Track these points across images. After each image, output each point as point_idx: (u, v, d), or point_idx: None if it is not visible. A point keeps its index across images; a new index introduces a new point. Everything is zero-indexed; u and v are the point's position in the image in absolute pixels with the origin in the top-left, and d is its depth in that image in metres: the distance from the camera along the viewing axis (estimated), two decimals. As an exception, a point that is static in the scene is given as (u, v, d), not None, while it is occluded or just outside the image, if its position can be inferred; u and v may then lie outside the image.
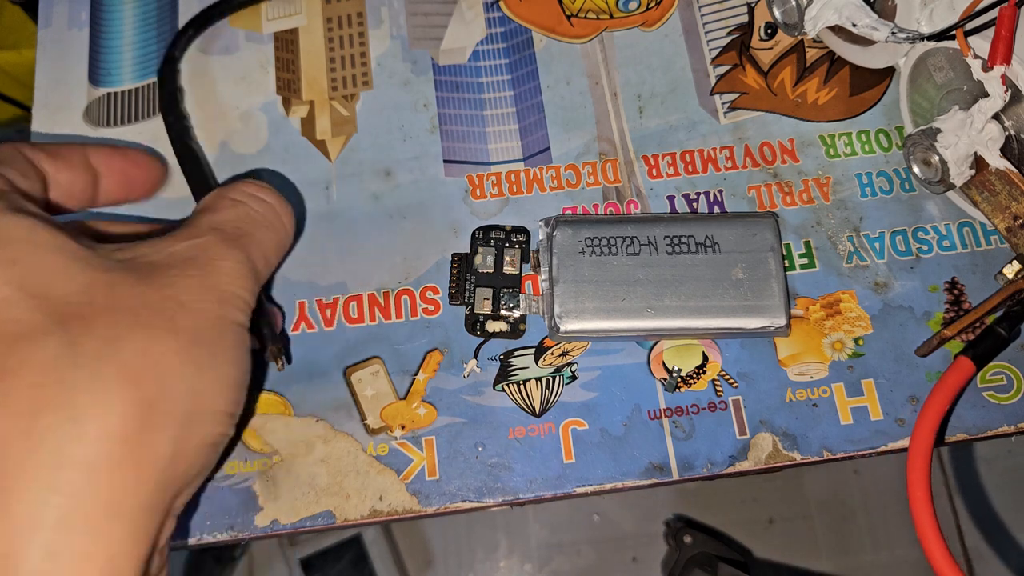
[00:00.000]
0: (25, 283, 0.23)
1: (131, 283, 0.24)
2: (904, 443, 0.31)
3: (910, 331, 0.32)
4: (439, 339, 0.32)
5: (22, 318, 0.22)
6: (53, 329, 0.22)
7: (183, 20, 0.37)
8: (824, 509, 0.93)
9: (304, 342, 0.32)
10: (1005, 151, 0.30)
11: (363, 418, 0.31)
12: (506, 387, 0.32)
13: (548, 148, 0.35)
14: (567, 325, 0.31)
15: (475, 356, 0.32)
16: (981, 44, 0.29)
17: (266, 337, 0.30)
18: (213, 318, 0.25)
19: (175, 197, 0.34)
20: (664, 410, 0.31)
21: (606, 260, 0.32)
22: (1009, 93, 0.29)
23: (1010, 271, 0.30)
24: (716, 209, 0.34)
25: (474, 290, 0.32)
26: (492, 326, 0.32)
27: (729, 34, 0.37)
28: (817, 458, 0.31)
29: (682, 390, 0.32)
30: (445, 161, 0.35)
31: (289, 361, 0.32)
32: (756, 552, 0.92)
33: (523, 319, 0.32)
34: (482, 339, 0.32)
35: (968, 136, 0.30)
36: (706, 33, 0.37)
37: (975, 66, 0.29)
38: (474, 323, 0.32)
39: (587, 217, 0.33)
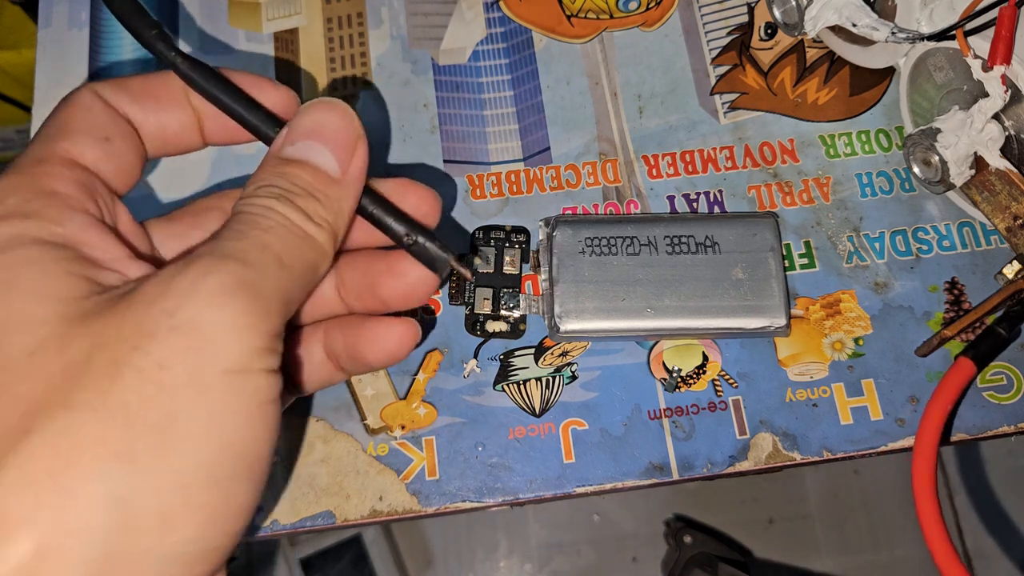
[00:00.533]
0: None
1: (84, 341, 0.19)
2: (904, 443, 0.31)
3: (910, 331, 0.32)
4: (439, 339, 0.32)
5: None
6: None
7: (183, 20, 0.37)
8: (824, 509, 0.93)
9: (304, 342, 0.32)
10: (1005, 151, 0.30)
11: (363, 418, 0.31)
12: (506, 387, 0.32)
13: (548, 148, 0.35)
14: (567, 325, 0.31)
15: (475, 356, 0.32)
16: (981, 44, 0.29)
17: (436, 258, 0.25)
18: (172, 381, 0.18)
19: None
20: (664, 410, 0.31)
21: (606, 260, 0.32)
22: (1009, 93, 0.29)
23: (1010, 271, 0.30)
24: (716, 209, 0.34)
25: (474, 290, 0.32)
26: (492, 326, 0.32)
27: (729, 34, 0.37)
28: (817, 458, 0.31)
29: (682, 390, 0.32)
30: (445, 161, 0.35)
31: (461, 257, 0.26)
32: (756, 552, 0.92)
33: (523, 319, 0.32)
34: (482, 339, 0.32)
35: (968, 136, 0.30)
36: (706, 33, 0.37)
37: (975, 66, 0.29)
38: (474, 323, 0.32)
39: (587, 217, 0.33)
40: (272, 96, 0.25)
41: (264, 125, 0.24)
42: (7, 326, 0.19)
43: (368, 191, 0.25)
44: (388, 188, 0.26)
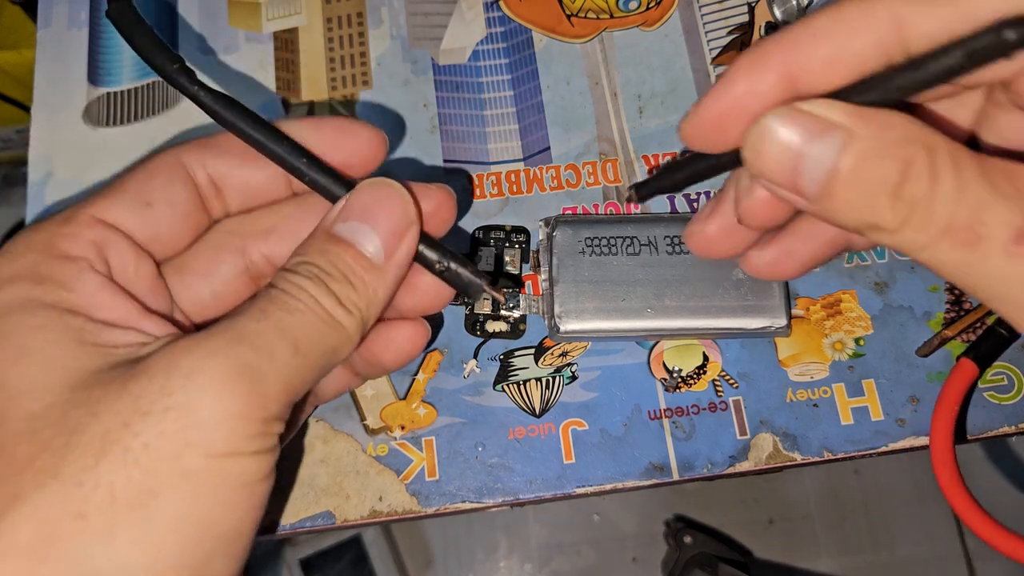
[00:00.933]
0: None
1: (82, 410, 0.19)
2: (905, 443, 0.31)
3: (911, 331, 0.32)
4: (439, 339, 0.32)
5: None
6: None
7: (182, 20, 0.37)
8: (824, 509, 0.93)
9: (304, 342, 0.32)
10: None
11: (363, 418, 0.31)
12: (506, 387, 0.32)
13: (548, 148, 0.35)
14: (567, 325, 0.31)
15: (475, 356, 0.32)
16: None
17: (468, 284, 0.25)
18: (156, 464, 0.19)
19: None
20: (664, 410, 0.31)
21: (606, 260, 0.32)
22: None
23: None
24: (716, 209, 0.34)
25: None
26: (492, 326, 0.32)
27: (729, 34, 0.37)
28: (817, 458, 0.31)
29: (682, 390, 0.32)
30: (445, 161, 0.35)
31: (493, 283, 0.27)
32: (756, 552, 0.92)
33: (523, 319, 0.32)
34: (482, 339, 0.32)
35: None
36: (706, 33, 0.37)
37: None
38: (474, 323, 0.32)
39: (587, 217, 0.33)
40: (329, 130, 0.25)
41: (287, 153, 0.24)
42: (15, 391, 0.20)
43: None
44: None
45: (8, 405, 0.20)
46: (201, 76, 0.24)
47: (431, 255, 0.25)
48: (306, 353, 0.22)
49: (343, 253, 0.23)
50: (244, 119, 0.24)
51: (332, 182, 0.24)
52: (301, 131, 0.25)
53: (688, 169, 0.23)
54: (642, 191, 0.25)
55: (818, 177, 0.18)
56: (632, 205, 0.29)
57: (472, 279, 0.26)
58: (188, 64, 0.24)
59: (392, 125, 0.35)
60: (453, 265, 0.25)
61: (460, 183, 0.34)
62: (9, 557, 0.18)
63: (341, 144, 0.25)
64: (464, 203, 0.34)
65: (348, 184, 0.24)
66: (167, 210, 0.24)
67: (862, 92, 0.18)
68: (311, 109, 0.36)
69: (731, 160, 0.21)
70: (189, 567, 0.20)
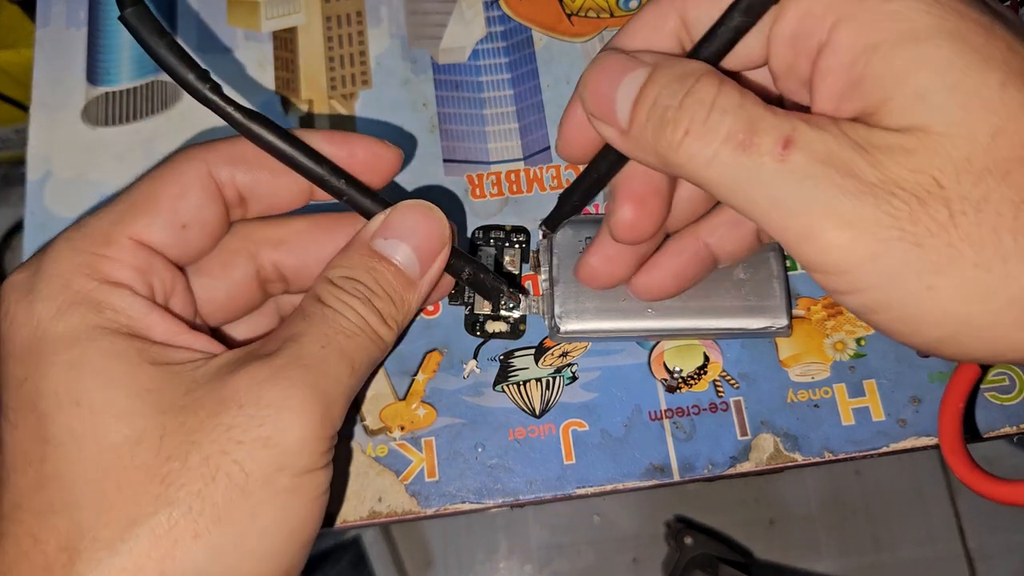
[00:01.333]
0: (69, 434, 0.21)
1: (178, 437, 0.21)
2: (906, 444, 0.31)
3: (912, 331, 0.32)
4: (438, 339, 0.32)
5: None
6: (77, 505, 0.21)
7: (182, 20, 0.37)
8: (825, 510, 0.93)
9: (303, 342, 0.32)
10: None
11: (362, 419, 0.31)
12: (506, 388, 0.32)
13: (548, 147, 0.35)
14: (567, 325, 0.31)
15: (475, 357, 0.32)
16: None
17: (491, 289, 0.28)
18: (242, 477, 0.21)
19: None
20: (665, 411, 0.31)
21: (606, 260, 0.31)
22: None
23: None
24: (717, 209, 0.34)
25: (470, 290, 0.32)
26: (492, 327, 0.32)
27: (730, 33, 0.36)
28: (818, 459, 0.31)
29: (683, 391, 0.31)
30: (445, 161, 0.35)
31: (524, 292, 0.31)
32: (757, 553, 0.91)
33: (523, 319, 0.32)
34: (482, 340, 0.32)
35: None
36: (707, 32, 0.36)
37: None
38: (474, 323, 0.32)
39: (587, 217, 0.33)
40: (362, 149, 0.26)
41: (327, 174, 0.25)
42: (108, 417, 0.21)
43: None
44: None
45: (104, 432, 0.21)
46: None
47: (459, 266, 0.28)
48: (360, 372, 0.24)
49: (385, 271, 0.25)
50: (281, 138, 0.24)
51: (368, 200, 0.26)
52: (327, 146, 0.26)
53: (577, 190, 0.27)
54: (551, 224, 0.29)
55: (626, 106, 0.22)
56: (553, 236, 0.31)
57: (494, 284, 0.29)
58: (219, 83, 0.24)
59: (392, 127, 0.35)
60: (481, 275, 0.28)
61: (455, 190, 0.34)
62: (138, 574, 0.21)
63: (368, 163, 0.26)
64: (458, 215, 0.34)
65: (383, 203, 0.26)
66: (200, 231, 0.25)
67: None
68: (310, 108, 0.36)
69: (604, 166, 0.25)
70: (283, 571, 0.23)
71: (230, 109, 0.24)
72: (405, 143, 0.35)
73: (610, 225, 0.25)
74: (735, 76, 0.23)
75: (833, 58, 0.20)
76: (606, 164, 0.25)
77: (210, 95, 0.23)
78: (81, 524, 0.21)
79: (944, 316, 0.18)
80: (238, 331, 0.29)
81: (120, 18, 0.23)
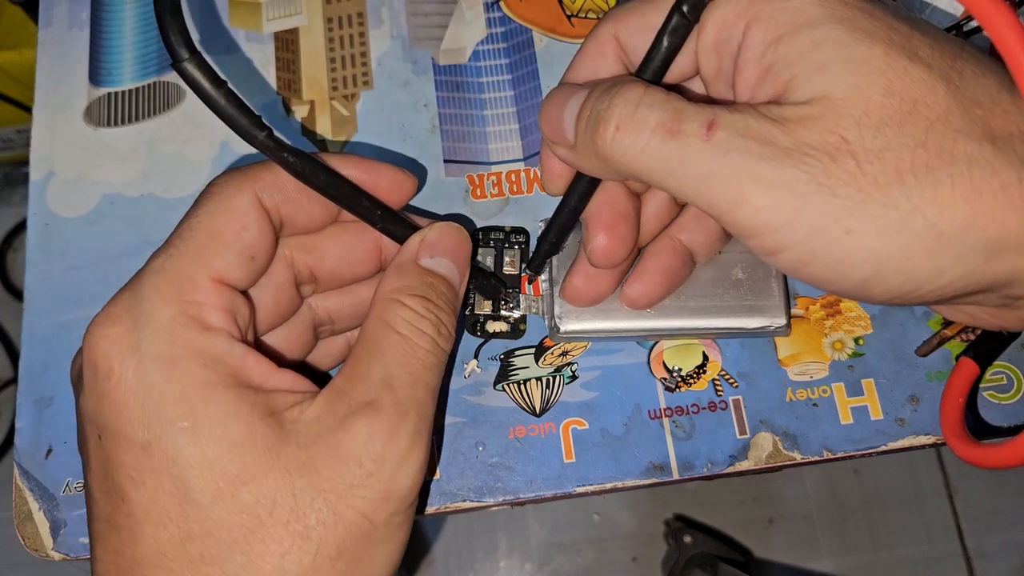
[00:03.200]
0: (186, 466, 0.23)
1: (309, 495, 0.23)
2: (905, 443, 0.31)
3: (910, 331, 0.32)
4: (439, 339, 0.32)
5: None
6: (229, 559, 0.23)
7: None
8: (824, 509, 0.93)
9: (304, 342, 0.32)
10: None
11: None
12: (506, 387, 0.32)
13: (548, 148, 0.35)
14: (567, 325, 0.31)
15: (475, 356, 0.32)
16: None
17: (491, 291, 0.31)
18: (368, 526, 0.24)
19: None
20: (664, 410, 0.31)
21: (606, 260, 0.32)
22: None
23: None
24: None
25: (472, 292, 0.32)
26: (492, 326, 0.32)
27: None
28: (817, 458, 0.31)
29: (682, 390, 0.32)
30: (445, 161, 0.35)
31: (506, 286, 0.32)
32: (756, 552, 0.92)
33: (523, 319, 0.32)
34: (483, 339, 0.32)
35: None
36: (706, 33, 0.37)
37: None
38: (474, 323, 0.32)
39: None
40: (386, 178, 0.28)
41: (368, 209, 0.27)
42: (243, 481, 0.23)
43: None
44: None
45: (241, 494, 0.23)
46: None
47: (472, 273, 0.30)
48: (437, 393, 0.27)
49: (441, 286, 0.27)
50: (330, 177, 0.26)
51: (399, 227, 0.28)
52: (358, 173, 0.27)
53: (552, 229, 0.29)
54: (534, 267, 0.31)
55: (571, 124, 0.25)
56: (537, 280, 0.32)
57: (493, 286, 0.31)
58: (273, 130, 0.24)
59: (392, 126, 0.35)
60: (482, 281, 0.31)
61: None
62: None
63: (390, 190, 0.28)
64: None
65: (411, 227, 0.28)
66: (264, 259, 0.26)
67: None
68: (312, 109, 0.36)
69: (573, 200, 0.28)
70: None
71: (285, 154, 0.24)
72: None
73: (587, 253, 0.28)
74: (676, 88, 0.25)
75: (748, 53, 0.23)
76: (574, 198, 0.28)
77: (267, 141, 0.24)
78: (237, 574, 0.23)
79: (865, 255, 0.20)
80: (275, 340, 0.29)
81: (174, 67, 0.23)
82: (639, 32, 0.25)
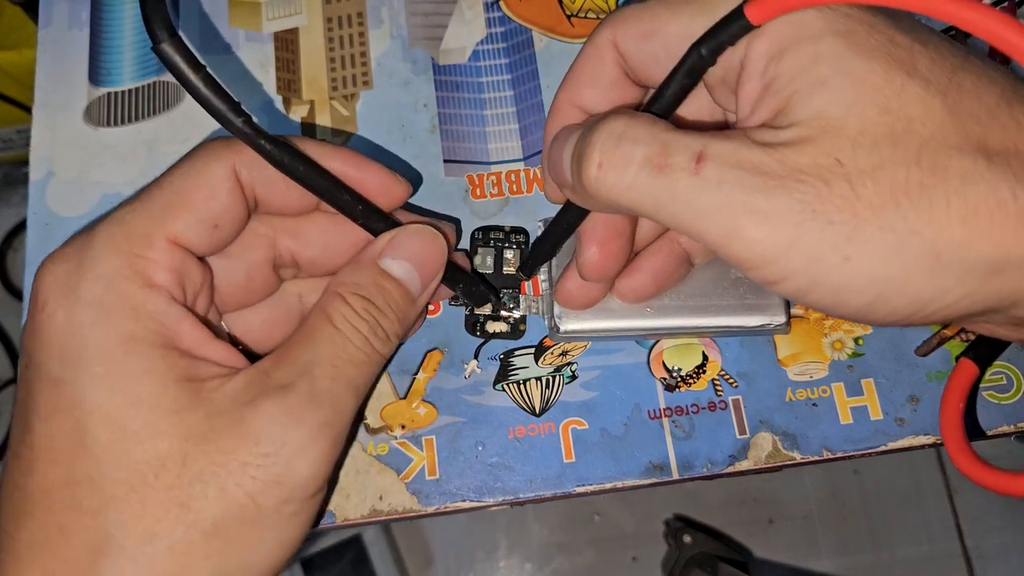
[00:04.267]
0: (96, 440, 0.23)
1: (199, 465, 0.23)
2: (904, 443, 0.31)
3: (910, 331, 0.32)
4: (439, 339, 0.32)
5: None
6: (105, 512, 0.23)
7: (184, 20, 0.37)
8: (824, 509, 0.93)
9: (304, 342, 0.32)
10: None
11: (363, 418, 0.31)
12: (506, 387, 0.32)
13: (548, 148, 0.35)
14: (567, 325, 0.31)
15: (475, 357, 0.32)
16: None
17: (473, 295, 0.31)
18: (253, 509, 0.24)
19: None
20: (664, 410, 0.31)
21: (606, 260, 0.32)
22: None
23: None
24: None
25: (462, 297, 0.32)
26: (492, 327, 0.32)
27: (729, 34, 0.37)
28: (817, 457, 0.31)
29: (682, 390, 0.32)
30: (445, 161, 0.35)
31: (499, 296, 0.32)
32: (756, 552, 0.92)
33: (523, 319, 0.32)
34: (483, 340, 0.32)
35: None
36: (706, 33, 0.37)
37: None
38: (474, 324, 0.32)
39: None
40: (375, 178, 0.27)
41: (348, 204, 0.26)
42: (138, 437, 0.23)
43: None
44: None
45: (133, 450, 0.23)
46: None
47: (456, 278, 0.30)
48: (363, 395, 0.26)
49: (394, 291, 0.27)
50: (310, 169, 0.25)
51: (382, 224, 0.27)
52: (345, 167, 0.27)
53: (548, 239, 0.30)
54: (527, 269, 0.31)
55: (567, 164, 0.24)
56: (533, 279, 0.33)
57: (484, 292, 0.31)
58: (252, 117, 0.24)
59: (392, 126, 0.35)
60: (472, 288, 0.31)
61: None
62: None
63: (379, 192, 0.28)
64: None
65: (393, 224, 0.27)
66: (229, 229, 0.26)
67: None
68: (312, 109, 0.36)
69: (569, 216, 0.27)
70: (274, 572, 0.25)
71: (262, 141, 0.24)
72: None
73: (578, 265, 0.28)
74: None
75: (751, 67, 0.22)
76: (571, 215, 0.27)
77: (244, 128, 0.24)
78: (108, 531, 0.23)
79: (865, 281, 0.20)
80: (253, 321, 0.29)
81: (154, 50, 0.23)
82: (638, 39, 0.25)
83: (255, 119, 0.24)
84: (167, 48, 0.23)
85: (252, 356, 0.26)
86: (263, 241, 0.28)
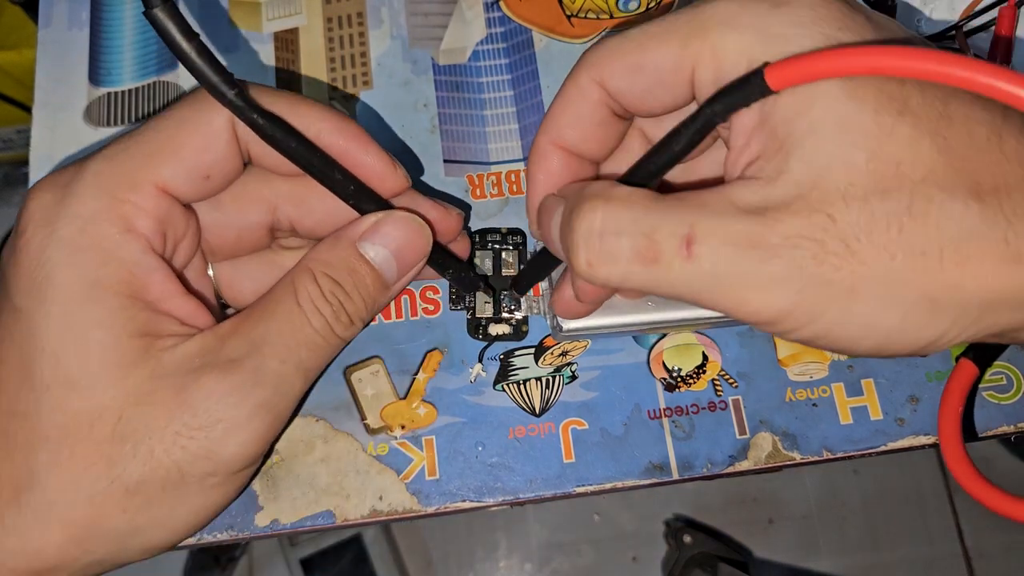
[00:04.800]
0: (55, 383, 0.23)
1: (132, 424, 0.24)
2: (904, 443, 0.31)
3: (910, 331, 0.32)
4: (439, 339, 0.32)
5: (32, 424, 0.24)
6: (34, 451, 0.24)
7: (183, 20, 0.37)
8: (824, 509, 0.93)
9: (304, 342, 0.32)
10: None
11: (363, 418, 0.32)
12: (506, 387, 0.32)
13: (548, 148, 0.35)
14: (569, 323, 0.31)
15: (480, 360, 0.32)
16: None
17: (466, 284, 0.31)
18: (177, 476, 0.24)
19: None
20: (664, 410, 0.31)
21: (606, 260, 0.31)
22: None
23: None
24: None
25: (474, 294, 0.32)
26: (495, 329, 0.32)
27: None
28: (817, 458, 0.31)
29: (682, 390, 0.32)
30: (445, 161, 0.35)
31: (488, 283, 0.32)
32: (756, 552, 0.92)
33: (525, 320, 0.32)
34: (486, 343, 0.32)
35: None
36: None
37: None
38: (476, 327, 0.32)
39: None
40: (369, 162, 0.27)
41: (338, 187, 0.26)
42: (80, 386, 0.23)
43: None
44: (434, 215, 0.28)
45: (73, 398, 0.23)
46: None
47: (446, 264, 0.29)
48: (312, 378, 0.26)
49: (367, 276, 0.26)
50: (304, 147, 0.25)
51: (372, 206, 0.27)
52: (340, 139, 0.26)
53: (540, 263, 0.29)
54: (519, 287, 0.31)
55: (558, 245, 0.24)
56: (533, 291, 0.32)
57: (476, 280, 0.31)
58: (247, 92, 0.24)
59: (392, 126, 0.35)
60: (462, 273, 0.30)
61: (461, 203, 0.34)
62: (62, 534, 0.24)
63: (374, 180, 0.27)
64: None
65: (384, 206, 0.27)
66: (220, 181, 0.26)
67: (637, 175, 0.24)
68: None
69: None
70: (189, 534, 0.27)
71: (255, 116, 0.24)
72: (405, 158, 0.35)
73: (574, 288, 0.27)
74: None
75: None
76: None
77: (236, 100, 0.23)
78: (34, 469, 0.23)
79: (869, 330, 0.21)
80: (242, 271, 0.29)
81: (146, 14, 0.22)
82: (627, 74, 0.24)
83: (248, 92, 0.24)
84: (159, 14, 0.22)
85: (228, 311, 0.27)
86: (262, 206, 0.27)
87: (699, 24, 0.22)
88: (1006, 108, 0.21)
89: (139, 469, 0.24)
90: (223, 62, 0.23)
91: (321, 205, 0.28)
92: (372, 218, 0.27)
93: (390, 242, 0.27)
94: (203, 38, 0.23)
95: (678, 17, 0.23)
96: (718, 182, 0.22)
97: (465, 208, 0.34)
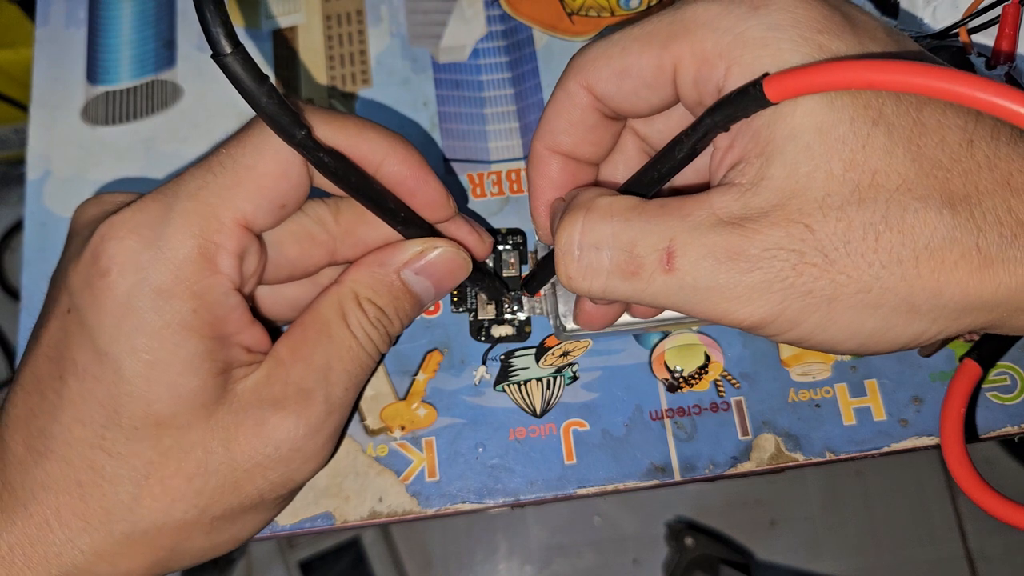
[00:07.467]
0: (124, 410, 0.24)
1: (203, 436, 0.25)
2: (907, 444, 0.30)
3: (914, 331, 0.32)
4: (439, 339, 0.32)
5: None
6: (131, 480, 0.24)
7: (181, 18, 0.37)
8: (826, 511, 0.93)
9: (303, 342, 0.32)
10: None
11: (363, 419, 0.31)
12: (507, 388, 0.32)
13: (549, 147, 0.35)
14: (572, 323, 0.31)
15: (483, 362, 0.32)
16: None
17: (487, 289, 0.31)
18: (258, 500, 0.26)
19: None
20: (666, 411, 0.31)
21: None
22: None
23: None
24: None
25: (476, 295, 0.32)
26: (498, 331, 0.32)
27: (731, 32, 0.36)
28: (820, 459, 0.30)
29: (684, 391, 0.31)
30: (445, 160, 0.35)
31: (508, 288, 0.32)
32: (758, 554, 0.91)
33: (528, 321, 0.32)
34: (489, 345, 0.32)
35: None
36: (708, 31, 0.36)
37: (978, 64, 0.29)
38: (479, 329, 0.32)
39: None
40: (426, 193, 0.27)
41: (389, 216, 0.26)
42: (168, 425, 0.24)
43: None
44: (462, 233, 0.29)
45: (163, 436, 0.24)
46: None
47: (476, 279, 0.30)
48: (358, 389, 0.27)
49: (406, 302, 0.28)
50: (362, 185, 0.25)
51: (417, 231, 0.27)
52: (406, 170, 0.26)
53: (548, 266, 0.29)
54: (530, 286, 0.31)
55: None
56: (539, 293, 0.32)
57: (501, 289, 0.32)
58: (314, 133, 0.24)
59: (392, 125, 0.35)
60: (488, 283, 0.31)
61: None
62: (142, 550, 0.25)
63: (425, 210, 0.27)
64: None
65: (428, 229, 0.28)
66: (294, 208, 0.26)
67: (638, 185, 0.24)
68: (310, 108, 0.36)
69: None
70: (254, 532, 0.28)
71: (321, 155, 0.23)
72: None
73: (576, 314, 0.29)
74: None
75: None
76: None
77: (306, 141, 0.23)
78: (124, 500, 0.24)
79: (850, 333, 0.21)
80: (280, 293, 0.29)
81: (217, 60, 0.21)
82: (613, 79, 0.24)
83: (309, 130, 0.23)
84: (232, 61, 0.21)
85: (266, 323, 0.27)
86: (323, 250, 0.27)
87: (680, 26, 0.22)
88: (979, 112, 0.21)
89: (226, 500, 0.25)
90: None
91: (370, 236, 0.28)
92: (417, 246, 0.27)
93: (433, 274, 0.28)
94: (272, 82, 0.22)
95: (660, 19, 0.23)
96: (704, 184, 0.22)
97: (462, 200, 0.34)
